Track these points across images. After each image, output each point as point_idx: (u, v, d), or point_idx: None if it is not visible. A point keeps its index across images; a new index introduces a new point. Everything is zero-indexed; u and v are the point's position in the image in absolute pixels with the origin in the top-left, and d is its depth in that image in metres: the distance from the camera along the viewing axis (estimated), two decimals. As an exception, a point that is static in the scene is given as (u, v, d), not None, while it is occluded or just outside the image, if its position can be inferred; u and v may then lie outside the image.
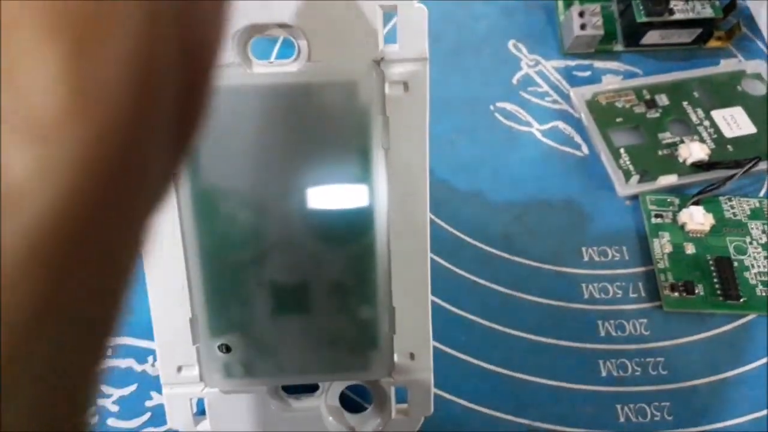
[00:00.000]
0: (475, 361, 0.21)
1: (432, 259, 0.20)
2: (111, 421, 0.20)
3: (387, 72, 0.16)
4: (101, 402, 0.20)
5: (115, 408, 0.20)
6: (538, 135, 0.26)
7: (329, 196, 0.17)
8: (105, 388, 0.21)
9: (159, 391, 0.20)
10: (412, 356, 0.18)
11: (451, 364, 0.21)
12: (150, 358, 0.21)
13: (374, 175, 0.17)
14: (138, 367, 0.21)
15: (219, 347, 0.18)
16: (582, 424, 0.20)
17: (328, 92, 0.16)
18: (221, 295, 0.17)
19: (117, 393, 0.21)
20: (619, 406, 0.20)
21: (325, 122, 0.16)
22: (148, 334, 0.21)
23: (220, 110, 0.16)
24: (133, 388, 0.21)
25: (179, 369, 0.18)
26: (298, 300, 0.18)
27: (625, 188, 0.24)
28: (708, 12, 0.27)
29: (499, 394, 0.20)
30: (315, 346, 0.18)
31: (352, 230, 0.17)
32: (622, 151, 0.25)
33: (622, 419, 0.20)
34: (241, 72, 0.16)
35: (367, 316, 0.18)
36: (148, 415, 0.20)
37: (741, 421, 0.20)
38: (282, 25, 0.16)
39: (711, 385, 0.21)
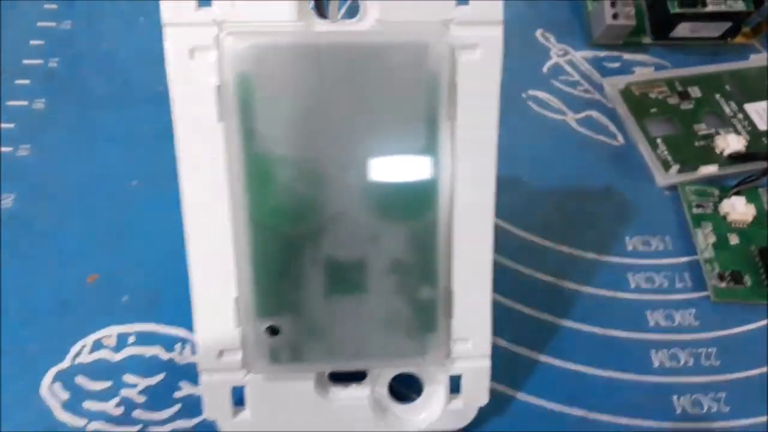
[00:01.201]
0: (524, 351, 0.20)
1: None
2: (137, 413, 0.19)
3: (458, 35, 0.15)
4: (126, 392, 0.19)
5: (141, 399, 0.19)
6: (573, 124, 0.26)
7: (391, 167, 0.16)
8: (130, 378, 0.19)
9: (189, 380, 0.19)
10: (469, 342, 0.17)
11: (499, 354, 0.20)
12: (178, 346, 0.20)
13: (440, 146, 0.16)
14: (165, 356, 0.20)
15: (266, 329, 0.17)
16: (638, 415, 0.19)
17: (395, 54, 0.15)
18: (271, 272, 0.16)
19: (143, 383, 0.19)
20: (674, 397, 0.20)
21: (390, 87, 0.15)
22: (176, 320, 0.20)
23: (278, 70, 0.15)
24: (160, 377, 0.19)
25: (220, 354, 0.17)
26: (354, 279, 0.16)
27: (664, 178, 0.24)
28: (740, 5, 0.27)
29: (550, 385, 0.20)
30: (369, 328, 0.17)
31: (414, 205, 0.16)
32: (659, 141, 0.25)
33: (678, 410, 0.19)
34: (301, 30, 0.15)
35: (425, 297, 0.17)
36: (177, 406, 0.19)
37: (797, 413, 0.19)
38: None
39: (766, 376, 0.20)
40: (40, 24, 0.27)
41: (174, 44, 0.15)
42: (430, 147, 0.16)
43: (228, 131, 0.15)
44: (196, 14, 0.14)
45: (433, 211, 0.16)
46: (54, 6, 0.28)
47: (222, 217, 0.16)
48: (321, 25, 0.15)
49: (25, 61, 0.26)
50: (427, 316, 0.17)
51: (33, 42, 0.27)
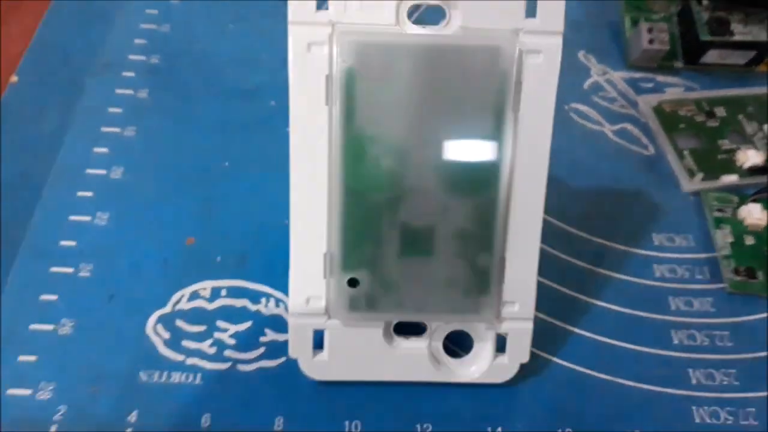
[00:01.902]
0: (561, 324, 0.23)
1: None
2: (228, 352, 0.22)
3: (526, 41, 0.18)
4: (219, 335, 0.22)
5: (231, 341, 0.22)
6: (609, 134, 0.29)
7: (463, 149, 0.19)
8: (222, 323, 0.22)
9: (273, 328, 0.22)
10: (516, 306, 0.20)
11: (540, 325, 0.22)
12: (263, 300, 0.23)
13: (504, 134, 0.19)
14: (252, 307, 0.23)
15: (348, 282, 0.20)
16: (658, 383, 0.22)
17: (473, 55, 0.18)
18: (357, 233, 0.19)
19: (233, 328, 0.22)
20: (690, 370, 0.22)
21: (466, 82, 0.18)
22: (261, 279, 0.23)
23: (377, 65, 0.18)
24: (248, 324, 0.22)
25: (308, 300, 0.20)
26: (424, 243, 0.20)
27: (689, 184, 0.27)
28: (764, 36, 0.30)
29: (582, 353, 0.22)
30: (433, 286, 0.20)
31: (479, 183, 0.19)
32: (685, 152, 0.28)
33: (693, 381, 0.22)
34: (398, 32, 0.18)
35: (483, 263, 0.20)
36: (262, 349, 0.22)
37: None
38: (440, -5, 0.18)
39: (773, 358, 0.23)
40: (143, 26, 0.31)
41: (295, 39, 0.18)
42: (496, 134, 0.19)
43: (332, 113, 0.19)
44: (314, 15, 0.18)
45: (495, 189, 0.19)
46: (155, 11, 0.32)
47: (321, 184, 0.19)
48: (413, 29, 0.18)
49: (131, 57, 0.30)
50: (482, 280, 0.20)
51: (137, 41, 0.30)
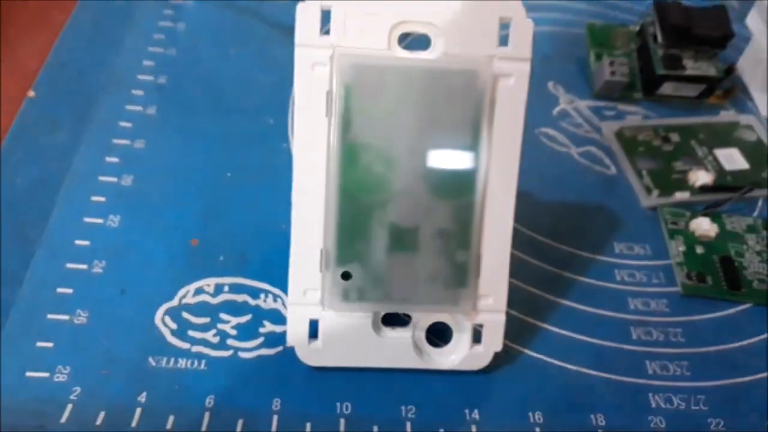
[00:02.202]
0: (532, 320, 0.26)
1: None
2: (230, 341, 0.24)
3: (499, 66, 0.21)
4: (222, 326, 0.24)
5: (233, 332, 0.24)
6: (576, 155, 0.32)
7: (444, 158, 0.22)
8: (224, 316, 0.24)
9: (271, 321, 0.25)
10: (490, 299, 0.23)
11: (512, 321, 0.25)
12: (262, 295, 0.25)
13: (480, 146, 0.22)
14: (252, 302, 0.25)
15: (342, 275, 0.22)
16: (619, 373, 0.24)
17: (453, 77, 0.21)
18: (350, 231, 0.22)
19: (234, 320, 0.24)
20: (647, 362, 0.25)
21: (448, 100, 0.21)
22: (260, 276, 0.26)
23: (371, 84, 0.21)
24: (248, 317, 0.25)
25: (305, 292, 0.22)
26: (409, 240, 0.22)
27: (647, 200, 0.30)
28: (712, 71, 0.33)
29: (550, 345, 0.25)
30: (417, 280, 0.22)
31: (458, 188, 0.22)
32: (644, 172, 0.31)
33: (650, 371, 0.25)
34: (389, 56, 0.21)
35: (461, 259, 0.22)
36: (261, 339, 0.24)
37: (742, 380, 0.25)
38: (425, 24, 0.21)
39: (719, 353, 0.25)
40: (151, 49, 0.34)
41: (301, 59, 0.21)
42: (473, 145, 0.22)
43: (331, 124, 0.21)
44: (318, 39, 0.21)
45: (472, 194, 0.22)
46: (162, 36, 0.34)
47: (319, 187, 0.22)
48: (403, 53, 0.21)
49: (140, 77, 0.32)
50: (460, 274, 0.22)
51: (146, 62, 0.33)
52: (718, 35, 0.33)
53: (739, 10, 0.39)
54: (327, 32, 0.21)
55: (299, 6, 0.20)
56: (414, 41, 0.22)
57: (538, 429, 0.23)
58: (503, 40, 0.21)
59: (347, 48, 0.21)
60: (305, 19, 0.21)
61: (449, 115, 0.21)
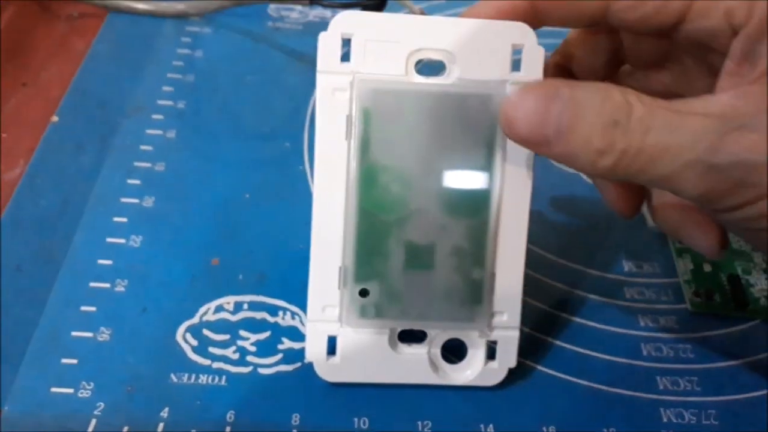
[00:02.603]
0: (544, 337, 0.26)
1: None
2: (249, 358, 0.24)
3: (512, 90, 0.22)
4: (241, 343, 0.25)
5: (252, 348, 0.25)
6: (584, 177, 0.32)
7: (459, 179, 0.22)
8: (244, 333, 0.25)
9: (289, 338, 0.25)
10: (505, 315, 0.24)
11: (525, 337, 0.25)
12: (281, 313, 0.26)
13: (494, 167, 0.22)
14: (271, 319, 0.26)
15: (359, 292, 0.23)
16: (630, 388, 0.25)
17: (468, 101, 0.22)
18: (368, 248, 0.23)
19: (254, 337, 0.25)
20: (658, 377, 0.25)
21: (463, 123, 0.22)
22: (278, 295, 0.26)
23: (389, 108, 0.22)
24: (267, 334, 0.25)
25: (324, 308, 0.23)
26: (426, 258, 0.23)
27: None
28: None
29: (563, 362, 0.25)
30: (433, 297, 0.23)
31: (472, 207, 0.23)
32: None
33: (661, 386, 0.25)
34: (406, 81, 0.22)
35: (476, 276, 0.23)
36: (280, 355, 0.25)
37: (752, 396, 0.25)
38: (441, 51, 0.22)
39: (728, 368, 0.26)
40: (170, 75, 0.35)
41: (322, 85, 0.22)
42: (487, 166, 0.22)
43: (350, 146, 0.22)
44: (339, 66, 0.22)
45: (486, 213, 0.23)
46: (181, 63, 0.36)
47: (338, 206, 0.22)
48: (419, 79, 0.22)
49: (159, 102, 0.33)
50: (475, 291, 0.23)
51: (165, 88, 0.34)
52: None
53: None
54: (347, 59, 0.22)
55: (321, 35, 0.21)
56: (426, 66, 0.23)
57: (552, 443, 0.23)
58: (516, 66, 0.22)
59: (366, 74, 0.22)
60: (326, 47, 0.21)
61: (464, 137, 0.22)
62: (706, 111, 0.17)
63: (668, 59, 0.23)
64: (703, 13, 0.19)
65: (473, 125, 0.22)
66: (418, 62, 0.22)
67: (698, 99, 0.18)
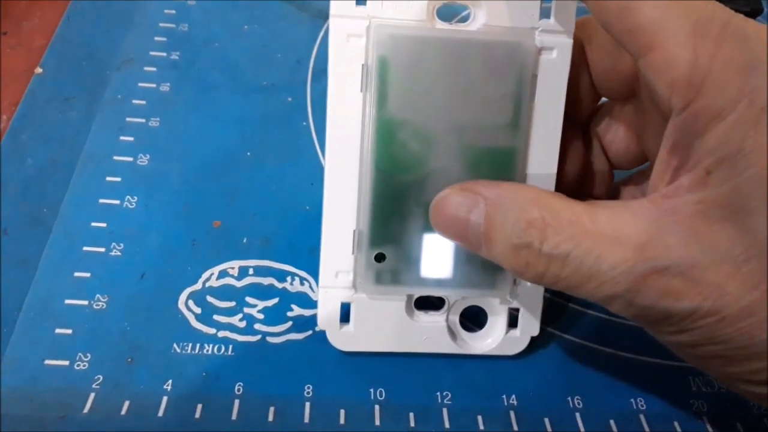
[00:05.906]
0: (568, 303, 0.25)
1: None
2: (257, 326, 0.23)
3: (541, 39, 0.20)
4: (248, 310, 0.23)
5: (260, 316, 0.23)
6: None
7: (483, 135, 0.21)
8: (250, 299, 0.24)
9: (298, 304, 0.24)
10: (527, 284, 0.22)
11: (548, 303, 0.24)
12: (289, 278, 0.24)
13: (521, 121, 0.21)
14: (279, 285, 0.24)
15: (375, 256, 0.21)
16: (659, 356, 0.24)
17: (495, 49, 0.20)
18: (385, 211, 0.21)
19: (261, 304, 0.24)
20: (690, 377, 0.24)
21: (488, 74, 0.20)
22: (285, 259, 0.25)
23: (409, 56, 0.20)
24: (275, 300, 0.24)
25: (337, 274, 0.21)
26: (446, 221, 0.21)
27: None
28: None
29: (589, 328, 0.24)
30: (453, 262, 0.22)
31: (497, 166, 0.21)
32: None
33: (694, 388, 0.24)
34: (428, 27, 0.20)
35: (499, 240, 0.22)
36: (290, 323, 0.23)
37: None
38: (468, -5, 0.20)
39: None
40: (162, 25, 0.32)
41: (336, 30, 0.20)
42: (513, 121, 0.21)
43: (366, 99, 0.20)
44: (354, 10, 0.20)
45: (511, 172, 0.21)
46: (173, 11, 0.33)
47: (352, 164, 0.21)
48: (442, 25, 0.20)
49: (152, 53, 0.31)
50: (499, 257, 0.22)
51: (157, 38, 0.32)
52: (747, 10, 0.32)
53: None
54: (364, 3, 0.20)
55: (335, -25, 0.19)
56: (449, 10, 0.21)
57: (578, 414, 0.22)
58: (545, 13, 0.20)
59: (384, 19, 0.20)
60: (341, -12, 0.19)
61: (489, 90, 0.20)
62: (628, 237, 0.16)
63: (634, 94, 0.21)
64: (653, 73, 0.16)
65: (500, 76, 0.20)
66: (441, 6, 0.20)
67: (623, 211, 0.17)
